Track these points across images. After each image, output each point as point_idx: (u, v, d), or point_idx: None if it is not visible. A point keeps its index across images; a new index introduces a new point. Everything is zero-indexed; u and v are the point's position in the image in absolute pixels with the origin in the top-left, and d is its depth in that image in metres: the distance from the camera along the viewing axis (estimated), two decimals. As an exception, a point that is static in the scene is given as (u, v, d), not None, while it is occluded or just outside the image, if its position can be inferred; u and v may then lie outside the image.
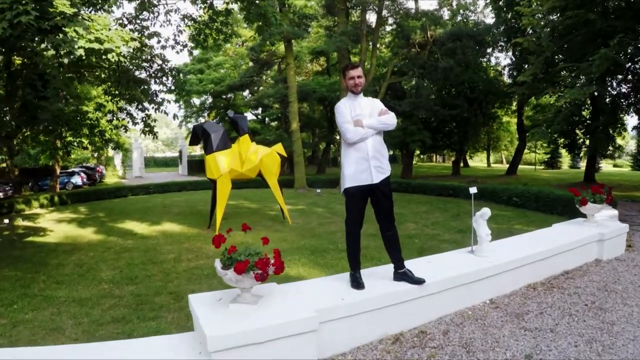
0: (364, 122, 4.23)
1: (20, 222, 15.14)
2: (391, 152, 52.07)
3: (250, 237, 10.49)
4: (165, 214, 15.71)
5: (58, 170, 28.13)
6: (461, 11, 29.58)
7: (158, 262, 8.79)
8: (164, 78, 15.37)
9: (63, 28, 6.59)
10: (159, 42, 14.92)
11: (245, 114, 13.63)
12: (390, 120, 4.31)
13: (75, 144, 18.47)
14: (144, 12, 13.53)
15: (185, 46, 14.92)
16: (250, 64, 33.38)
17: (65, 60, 6.95)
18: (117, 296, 6.76)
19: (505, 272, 5.09)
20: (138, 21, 13.78)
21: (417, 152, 33.00)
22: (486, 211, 5.13)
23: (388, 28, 27.22)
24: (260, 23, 12.88)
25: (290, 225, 12.19)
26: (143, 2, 12.69)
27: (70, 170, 33.98)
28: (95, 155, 45.47)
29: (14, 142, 17.68)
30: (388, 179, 4.34)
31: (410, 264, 4.74)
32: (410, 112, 25.31)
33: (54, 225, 14.25)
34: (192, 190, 25.03)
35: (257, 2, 12.28)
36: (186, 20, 14.44)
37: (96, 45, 7.04)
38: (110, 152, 47.29)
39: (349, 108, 4.35)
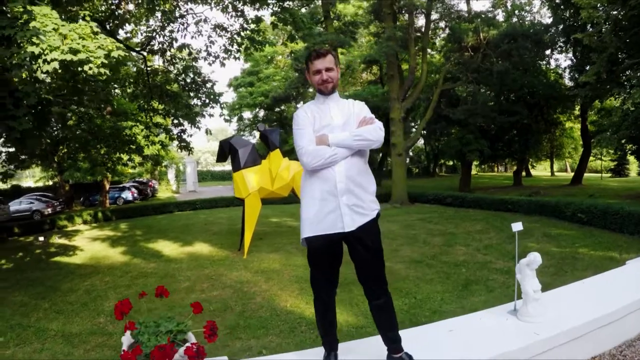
0: (330, 138, 2.87)
1: (56, 239, 15.20)
2: (451, 163, 50.36)
3: (277, 263, 9.86)
4: (202, 232, 15.37)
5: (107, 186, 28.74)
6: (516, 12, 27.96)
7: (169, 291, 8.16)
8: (199, 91, 15.10)
9: (14, 38, 6.17)
10: (190, 54, 14.67)
11: (277, 128, 12.99)
12: (371, 133, 2.87)
13: (114, 160, 18.50)
14: (172, 24, 13.25)
15: (217, 57, 14.54)
16: (296, 74, 32.93)
17: (41, 76, 6.50)
18: (107, 333, 6.25)
19: (560, 345, 3.50)
20: (167, 32, 13.54)
21: (476, 162, 31.42)
22: (534, 259, 3.79)
23: (439, 32, 26.08)
24: (290, 27, 12.22)
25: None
26: (165, 12, 12.36)
27: (121, 185, 34.71)
28: (148, 170, 46.54)
29: (55, 158, 17.94)
30: (373, 223, 2.92)
31: (424, 333, 3.54)
32: (465, 120, 23.90)
33: (87, 244, 14.18)
34: (239, 206, 24.69)
35: (285, 5, 11.63)
36: (217, 30, 14.03)
37: (68, 57, 6.53)
38: (164, 167, 48.32)
39: (311, 117, 2.99)
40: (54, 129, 14.97)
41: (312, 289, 3.07)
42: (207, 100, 15.98)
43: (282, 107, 40.32)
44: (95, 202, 30.18)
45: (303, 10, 23.99)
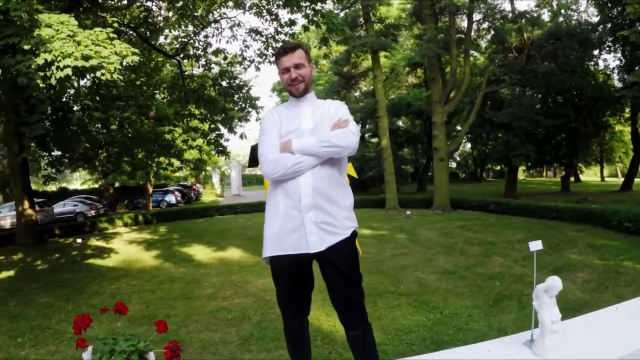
0: (294, 144, 2.50)
1: (93, 242, 15.52)
2: (498, 167, 48.89)
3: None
4: (238, 237, 15.37)
5: (150, 189, 29.41)
6: (562, 11, 26.78)
7: (192, 297, 8.21)
8: (234, 95, 15.15)
9: (18, 46, 6.20)
10: (225, 58, 14.72)
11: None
12: (340, 138, 2.44)
13: (151, 164, 18.85)
14: (205, 29, 13.35)
15: (252, 61, 14.53)
16: (336, 78, 32.74)
17: (53, 82, 6.50)
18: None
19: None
20: (201, 37, 13.65)
21: (523, 167, 30.37)
22: (553, 284, 3.30)
23: (482, 33, 25.32)
24: (323, 30, 12.04)
25: (360, 256, 10.98)
26: (197, 17, 12.42)
27: (165, 189, 35.39)
28: (193, 174, 47.37)
29: (95, 163, 18.40)
30: (347, 244, 2.52)
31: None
32: (509, 124, 23.01)
33: (123, 247, 14.41)
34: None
35: (317, 7, 11.45)
36: (252, 34, 14.00)
37: (80, 63, 6.50)
38: (208, 171, 49.10)
39: (278, 120, 2.64)
40: (96, 133, 15.30)
41: (281, 314, 2.73)
42: (244, 105, 16.04)
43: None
44: (139, 205, 30.90)
45: (342, 13, 23.81)
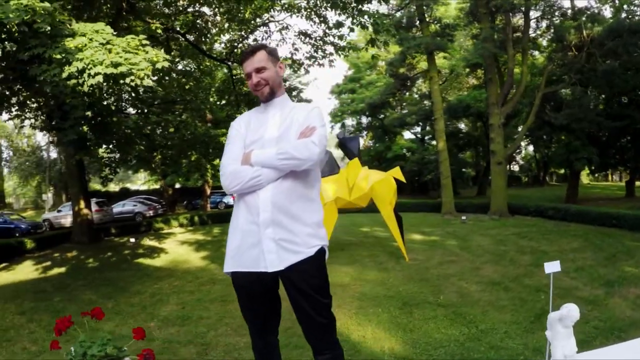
0: (253, 156, 2.36)
1: (147, 241, 15.96)
2: (562, 171, 46.61)
3: (348, 277, 9.45)
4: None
5: (208, 191, 30.05)
6: (625, 6, 24.97)
7: (228, 300, 8.23)
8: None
9: (45, 56, 6.37)
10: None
11: (357, 136, 12.55)
12: (299, 150, 2.28)
13: (209, 166, 19.24)
14: (253, 32, 13.45)
15: (301, 64, 14.49)
16: (391, 80, 32.25)
17: (85, 89, 6.66)
18: (150, 339, 6.24)
19: None
20: (250, 41, 13.74)
21: (586, 171, 28.81)
22: (568, 313, 2.93)
23: (540, 31, 24.10)
24: (368, 31, 11.81)
25: (406, 263, 10.70)
26: (244, 21, 12.50)
27: (223, 190, 36.13)
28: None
29: (152, 165, 18.98)
30: (311, 263, 2.35)
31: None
32: (569, 126, 21.74)
33: (174, 247, 14.73)
34: (346, 213, 24.46)
35: (363, 8, 11.24)
36: (301, 37, 13.96)
37: (109, 70, 6.62)
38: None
39: (244, 129, 2.52)
40: (153, 136, 15.73)
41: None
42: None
43: (387, 114, 39.78)
44: (198, 206, 31.62)
45: (398, 14, 23.42)
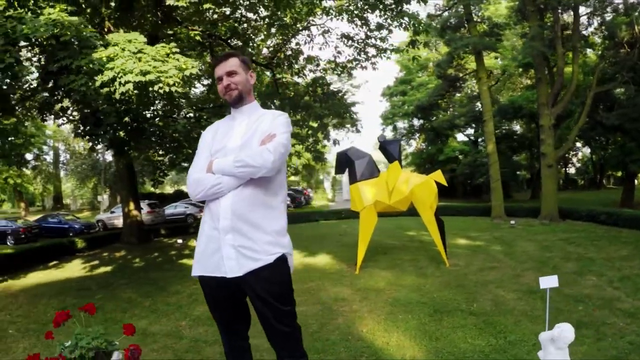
0: (214, 164, 2.40)
1: (194, 242, 16.28)
2: (619, 174, 44.13)
3: (384, 282, 9.30)
4: (333, 243, 15.36)
5: (260, 193, 30.39)
6: None
7: None
8: (328, 102, 15.17)
9: (72, 66, 6.61)
10: (317, 65, 14.78)
11: (397, 139, 12.36)
12: (254, 158, 2.30)
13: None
14: (295, 36, 13.50)
15: (344, 67, 14.42)
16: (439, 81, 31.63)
17: (117, 96, 6.88)
18: (180, 337, 6.53)
19: None
20: (293, 45, 13.81)
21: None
22: (560, 334, 2.71)
23: (591, 28, 22.91)
24: (409, 32, 11.62)
25: (446, 268, 10.43)
26: (285, 25, 12.56)
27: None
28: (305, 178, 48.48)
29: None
30: (271, 270, 2.36)
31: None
32: (622, 126, 20.48)
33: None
34: (388, 217, 24.19)
35: (401, 9, 11.07)
36: (344, 40, 13.91)
37: (137, 78, 6.80)
38: (320, 176, 50.05)
39: (211, 137, 2.59)
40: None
41: None
42: (341, 111, 16.02)
43: (439, 116, 39.12)
44: (249, 208, 32.10)
45: (445, 14, 22.93)
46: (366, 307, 7.59)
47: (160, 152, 15.38)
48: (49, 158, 43.20)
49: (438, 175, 11.43)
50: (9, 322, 7.95)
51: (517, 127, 37.80)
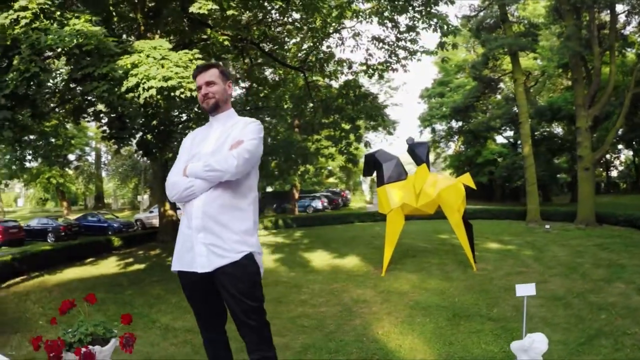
0: (188, 168, 2.56)
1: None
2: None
3: (408, 284, 9.21)
4: (363, 245, 15.33)
5: (296, 195, 30.60)
6: None
7: (284, 301, 8.51)
8: (359, 104, 15.13)
9: (95, 74, 6.81)
10: (349, 67, 14.75)
11: (426, 142, 12.18)
12: (220, 163, 2.46)
13: (292, 171, 19.66)
14: (325, 39, 13.53)
15: (375, 70, 14.34)
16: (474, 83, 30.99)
17: (141, 101, 7.07)
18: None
19: None
20: (324, 48, 13.85)
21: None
22: (532, 344, 2.58)
23: (630, 27, 21.88)
24: (439, 33, 11.48)
25: (472, 272, 10.23)
26: (315, 28, 12.62)
27: (312, 194, 36.51)
28: (343, 180, 48.41)
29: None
30: (238, 267, 2.47)
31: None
32: None
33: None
34: (421, 219, 23.90)
35: (430, 10, 10.95)
36: (375, 42, 13.84)
37: (159, 84, 6.97)
38: (358, 178, 49.80)
39: (189, 143, 2.76)
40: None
41: None
42: (373, 114, 15.95)
43: (478, 117, 38.40)
44: (286, 209, 32.23)
45: (481, 13, 22.50)
46: (386, 309, 7.55)
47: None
48: (91, 159, 44.48)
49: (466, 179, 11.23)
50: (41, 314, 8.31)
51: (558, 130, 36.70)
